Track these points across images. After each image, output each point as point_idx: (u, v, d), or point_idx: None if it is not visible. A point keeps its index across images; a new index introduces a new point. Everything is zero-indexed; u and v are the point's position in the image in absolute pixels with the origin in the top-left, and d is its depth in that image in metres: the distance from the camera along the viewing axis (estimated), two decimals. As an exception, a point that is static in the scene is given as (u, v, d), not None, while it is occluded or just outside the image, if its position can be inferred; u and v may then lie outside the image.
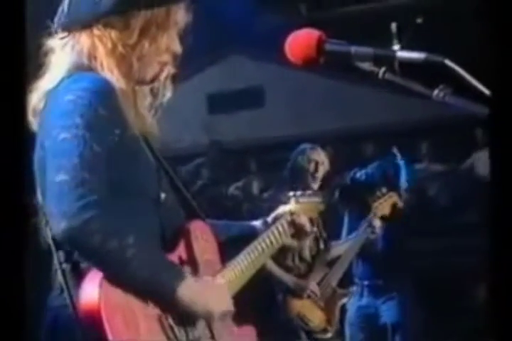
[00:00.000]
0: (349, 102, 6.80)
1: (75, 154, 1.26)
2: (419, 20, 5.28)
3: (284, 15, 5.84)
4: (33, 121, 1.39)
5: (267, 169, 7.07)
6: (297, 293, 3.19)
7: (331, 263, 3.36)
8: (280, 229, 1.68)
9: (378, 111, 6.73)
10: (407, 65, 1.15)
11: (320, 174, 3.41)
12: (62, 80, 1.36)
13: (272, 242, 1.65)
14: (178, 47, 1.43)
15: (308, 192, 2.01)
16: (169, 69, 1.44)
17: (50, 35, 1.42)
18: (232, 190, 7.27)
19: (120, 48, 1.38)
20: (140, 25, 1.38)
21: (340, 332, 3.37)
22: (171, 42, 1.42)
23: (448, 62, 1.09)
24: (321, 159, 3.43)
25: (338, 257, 3.40)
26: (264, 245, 1.63)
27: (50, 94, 1.36)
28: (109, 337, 1.23)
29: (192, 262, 1.42)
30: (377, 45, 1.17)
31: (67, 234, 1.23)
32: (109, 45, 1.38)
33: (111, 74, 1.36)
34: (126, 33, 1.38)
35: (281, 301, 3.22)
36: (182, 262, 1.40)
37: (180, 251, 1.41)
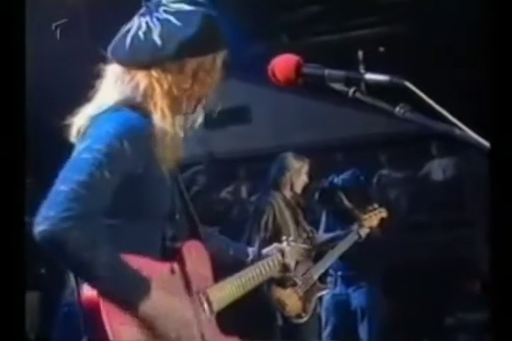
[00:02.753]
0: (323, 118, 6.82)
1: (85, 172, 1.22)
2: (381, 49, 5.32)
3: (268, 44, 5.85)
4: (75, 136, 1.34)
5: (253, 176, 7.06)
6: (281, 281, 3.18)
7: (316, 259, 3.35)
8: (271, 264, 1.67)
9: (347, 126, 6.76)
10: (372, 86, 1.15)
11: (300, 179, 3.40)
12: (108, 109, 1.32)
13: (261, 272, 1.63)
14: (216, 87, 1.40)
15: (299, 239, 2.01)
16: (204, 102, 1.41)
17: (103, 62, 1.37)
18: (223, 194, 7.26)
19: (175, 91, 1.34)
20: (192, 70, 1.34)
21: (314, 318, 3.33)
22: (212, 84, 1.39)
23: (408, 84, 1.10)
24: (300, 165, 3.42)
25: (323, 253, 3.41)
26: (254, 273, 1.62)
27: (94, 119, 1.32)
28: (108, 330, 1.19)
29: (184, 275, 1.38)
30: (347, 69, 1.17)
31: (42, 236, 1.18)
32: (166, 87, 1.33)
33: (161, 113, 1.32)
34: (181, 77, 1.34)
35: (266, 287, 3.20)
36: (173, 273, 1.36)
37: (173, 264, 1.37)
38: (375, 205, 3.57)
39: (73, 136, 1.36)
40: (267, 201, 3.34)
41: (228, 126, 7.20)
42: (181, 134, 1.39)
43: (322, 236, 3.56)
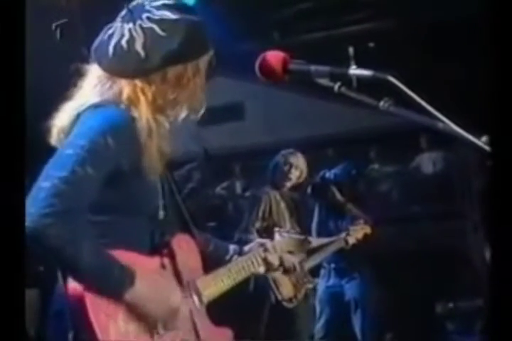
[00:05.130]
0: (315, 114, 6.83)
1: (67, 169, 1.20)
2: (371, 45, 5.33)
3: (260, 41, 5.84)
4: (56, 138, 1.32)
5: (248, 171, 7.08)
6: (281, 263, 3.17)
7: (309, 253, 3.39)
8: (254, 261, 1.65)
9: (339, 121, 6.78)
10: (357, 81, 1.16)
11: (293, 175, 3.44)
12: (91, 105, 1.29)
13: (245, 267, 1.62)
14: (201, 90, 1.38)
15: (292, 230, 2.01)
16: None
17: (85, 61, 1.34)
18: (218, 190, 7.27)
19: (160, 101, 1.33)
20: (174, 77, 1.31)
21: (304, 307, 3.35)
22: (197, 88, 1.36)
23: (391, 78, 1.11)
24: (296, 162, 3.46)
25: (315, 249, 3.46)
26: (245, 265, 1.61)
27: (78, 117, 1.30)
28: (94, 323, 1.19)
29: (174, 268, 1.38)
30: (338, 65, 1.18)
31: (26, 232, 1.16)
32: (150, 97, 1.31)
33: (145, 117, 1.29)
34: (164, 87, 1.31)
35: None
36: (163, 267, 1.36)
37: (163, 258, 1.37)
38: (361, 221, 3.72)
39: (54, 138, 1.33)
40: (264, 191, 3.40)
41: (222, 123, 7.20)
42: (166, 128, 1.36)
43: (314, 241, 3.62)
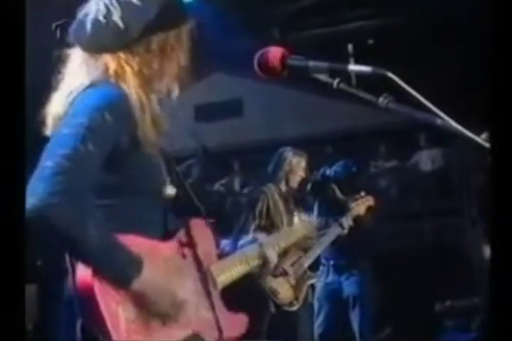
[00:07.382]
0: (314, 111, 6.83)
1: (69, 146, 1.19)
2: (370, 42, 5.34)
3: (260, 38, 5.84)
4: (51, 127, 1.32)
5: (246, 168, 7.08)
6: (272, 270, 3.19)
7: (306, 249, 3.38)
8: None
9: (338, 118, 6.78)
10: (356, 77, 1.16)
11: (297, 175, 3.43)
12: (84, 89, 1.29)
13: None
14: (186, 62, 1.38)
15: (307, 214, 1.99)
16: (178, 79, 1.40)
17: (66, 45, 1.34)
18: (217, 186, 7.28)
19: (145, 71, 1.33)
20: (158, 47, 1.33)
21: (306, 307, 3.35)
22: (181, 59, 1.37)
23: (390, 74, 1.10)
24: (298, 161, 3.45)
25: (313, 244, 3.43)
26: (254, 253, 1.62)
27: (72, 102, 1.29)
28: (103, 311, 1.17)
29: (192, 247, 1.38)
30: (338, 61, 1.17)
31: (31, 212, 1.14)
32: (136, 67, 1.32)
33: (135, 90, 1.30)
34: (149, 57, 1.33)
35: (258, 275, 3.20)
36: (182, 245, 1.35)
37: (181, 237, 1.37)
38: (362, 193, 3.61)
39: (49, 127, 1.33)
40: (261, 190, 3.39)
41: (221, 120, 7.19)
42: (158, 108, 1.35)
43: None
